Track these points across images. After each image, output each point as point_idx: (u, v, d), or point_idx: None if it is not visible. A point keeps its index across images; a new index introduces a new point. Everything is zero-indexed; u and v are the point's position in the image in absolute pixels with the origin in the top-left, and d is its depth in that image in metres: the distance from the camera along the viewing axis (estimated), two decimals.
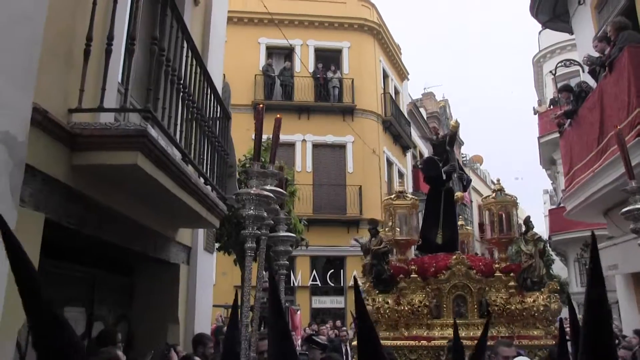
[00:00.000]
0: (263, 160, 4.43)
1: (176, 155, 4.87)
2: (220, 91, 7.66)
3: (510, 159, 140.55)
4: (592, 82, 9.99)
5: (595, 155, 8.68)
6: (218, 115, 7.00)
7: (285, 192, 3.71)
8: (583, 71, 11.43)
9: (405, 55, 33.74)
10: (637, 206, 3.85)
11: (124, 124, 4.11)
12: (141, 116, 4.28)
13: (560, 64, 13.33)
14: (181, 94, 5.26)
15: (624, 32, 8.22)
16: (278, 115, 3.77)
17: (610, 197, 9.01)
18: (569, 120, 10.30)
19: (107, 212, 4.81)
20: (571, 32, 12.76)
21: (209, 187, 6.12)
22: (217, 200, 6.41)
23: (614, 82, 7.92)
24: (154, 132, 4.17)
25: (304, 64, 23.57)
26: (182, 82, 5.25)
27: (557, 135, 12.39)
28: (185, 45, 5.54)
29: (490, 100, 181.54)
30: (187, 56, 5.60)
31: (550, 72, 18.00)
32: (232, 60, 16.58)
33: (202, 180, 5.90)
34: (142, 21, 5.10)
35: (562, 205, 14.28)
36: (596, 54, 9.62)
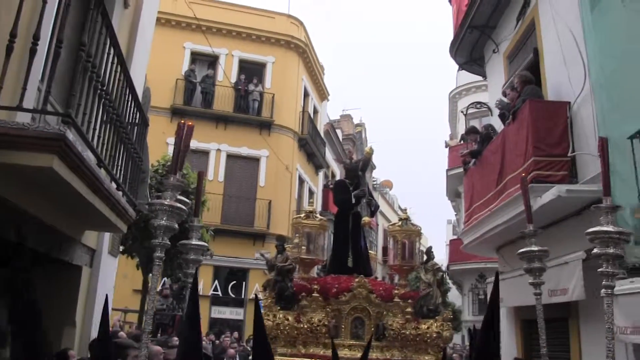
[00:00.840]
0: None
1: (90, 158, 4.88)
2: (140, 95, 7.66)
3: (420, 187, 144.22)
4: (499, 125, 10.60)
5: (494, 196, 9.21)
6: (136, 120, 7.01)
7: (188, 201, 3.82)
8: (491, 114, 12.09)
9: (327, 75, 34.28)
10: (532, 248, 4.31)
11: (42, 126, 4.11)
12: (61, 120, 4.29)
13: (471, 105, 14.02)
14: (103, 99, 5.28)
15: (528, 86, 8.83)
16: (190, 123, 3.89)
17: (503, 236, 9.59)
18: (473, 159, 10.86)
19: (16, 211, 4.76)
20: (484, 76, 13.47)
21: (120, 192, 6.13)
22: (127, 205, 6.41)
23: (516, 131, 8.47)
24: (71, 136, 4.20)
25: (227, 74, 23.61)
26: (105, 88, 5.27)
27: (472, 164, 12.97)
28: (111, 51, 5.57)
29: (406, 128, 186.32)
30: (112, 62, 5.62)
31: (461, 111, 18.84)
32: (155, 61, 16.47)
33: (113, 185, 5.90)
34: (70, 23, 5.10)
35: (460, 237, 14.94)
36: (506, 100, 10.27)
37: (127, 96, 6.32)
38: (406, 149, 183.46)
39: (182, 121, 3.91)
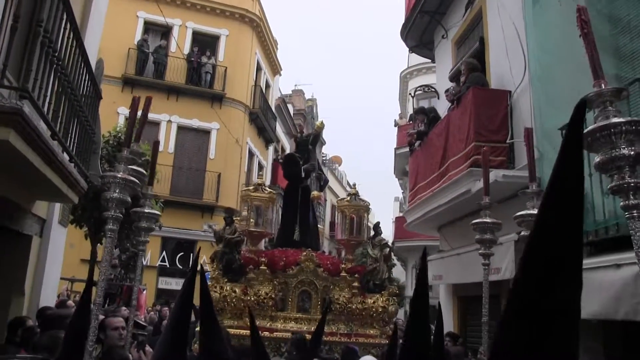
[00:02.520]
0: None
1: (43, 128, 4.97)
2: (93, 67, 7.71)
3: (369, 163, 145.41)
4: (443, 108, 10.98)
5: (436, 177, 9.60)
6: (89, 92, 7.08)
7: (144, 172, 3.96)
8: (438, 98, 12.46)
9: (281, 49, 34.27)
10: (486, 220, 4.40)
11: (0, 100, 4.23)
12: (17, 94, 4.40)
13: (419, 88, 14.38)
14: (57, 72, 5.36)
15: (473, 74, 9.20)
16: (149, 96, 4.03)
17: (444, 216, 10.02)
18: (418, 141, 11.24)
19: None
20: (434, 60, 13.83)
21: (72, 164, 6.23)
22: (79, 177, 6.52)
23: (459, 116, 8.84)
24: (28, 110, 4.33)
25: (180, 45, 23.42)
26: (59, 60, 5.36)
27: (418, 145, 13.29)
28: (65, 19, 5.63)
29: (358, 106, 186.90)
30: (65, 31, 5.68)
31: (410, 93, 19.20)
32: (108, 30, 16.14)
33: (66, 156, 6.01)
34: None
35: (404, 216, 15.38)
36: (450, 84, 10.65)
37: (81, 69, 6.38)
38: (357, 126, 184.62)
39: (137, 96, 4.07)
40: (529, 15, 7.56)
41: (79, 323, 2.59)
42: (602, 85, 2.27)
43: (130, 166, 3.54)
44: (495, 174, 7.50)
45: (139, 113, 3.76)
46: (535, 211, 3.86)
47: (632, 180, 2.19)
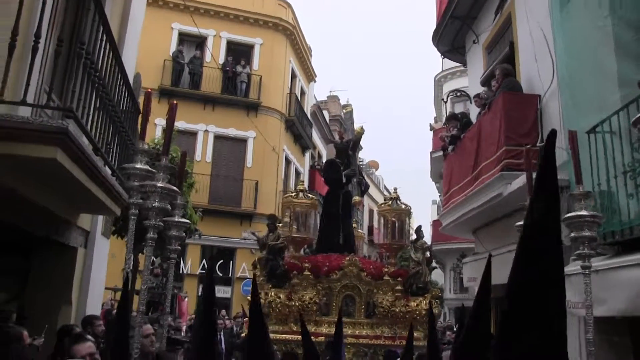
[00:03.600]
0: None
1: (85, 144, 5.22)
2: (131, 81, 7.98)
3: (407, 167, 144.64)
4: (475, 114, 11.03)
5: (470, 181, 9.65)
6: (128, 107, 7.35)
7: (176, 189, 4.12)
8: (471, 102, 12.49)
9: (315, 56, 34.51)
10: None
11: (46, 120, 4.48)
12: (62, 114, 4.65)
13: (451, 93, 14.40)
14: (98, 91, 5.62)
15: (508, 79, 9.24)
16: (174, 102, 4.22)
17: (478, 219, 10.06)
18: (451, 146, 11.30)
19: (19, 198, 5.12)
20: (465, 64, 13.86)
21: (114, 178, 6.48)
22: (121, 190, 6.77)
23: (490, 120, 8.90)
24: (73, 128, 4.56)
25: (215, 55, 23.81)
26: (100, 80, 5.61)
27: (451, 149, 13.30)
28: (106, 45, 5.89)
29: (394, 110, 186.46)
30: (105, 51, 5.94)
31: (442, 99, 19.20)
32: (143, 42, 16.52)
33: (108, 170, 6.26)
34: (62, 15, 5.43)
35: (439, 219, 15.40)
36: (482, 89, 10.70)
37: (120, 85, 6.64)
38: (394, 130, 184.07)
39: (175, 102, 4.28)
40: (557, 20, 7.59)
41: (120, 330, 2.72)
42: None
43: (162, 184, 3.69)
44: (524, 178, 7.54)
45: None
46: (583, 212, 3.93)
47: None
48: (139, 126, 3.60)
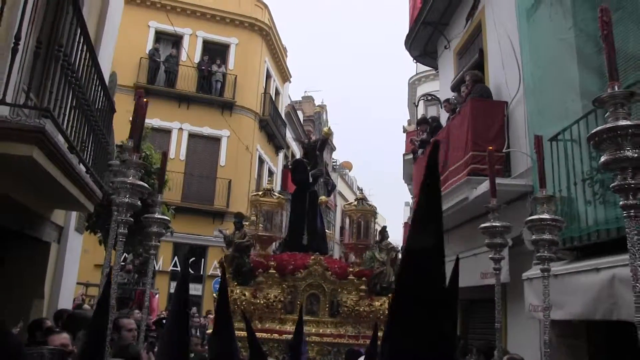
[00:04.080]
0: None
1: (61, 142, 5.35)
2: (107, 80, 8.10)
3: (381, 168, 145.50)
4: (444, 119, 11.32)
5: None
6: (103, 106, 7.48)
7: (146, 185, 4.19)
8: (441, 106, 12.78)
9: (291, 57, 34.69)
10: (494, 224, 4.43)
11: (24, 119, 4.62)
12: (40, 113, 4.79)
13: (422, 97, 14.71)
14: (75, 91, 5.75)
15: (478, 85, 9.51)
16: (145, 100, 4.30)
17: (447, 222, 10.32)
18: (421, 149, 11.58)
19: None
20: (437, 69, 14.17)
21: (88, 175, 6.62)
22: (95, 187, 6.91)
23: (458, 126, 9.18)
24: (50, 128, 4.71)
25: (191, 54, 23.89)
26: (77, 80, 5.75)
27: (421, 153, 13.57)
28: (82, 41, 6.02)
29: (368, 111, 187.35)
30: (82, 52, 6.07)
31: (414, 103, 19.51)
32: (120, 40, 16.56)
33: (83, 168, 6.39)
34: (41, 15, 5.54)
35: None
36: (452, 93, 10.98)
37: (96, 84, 6.77)
38: (368, 131, 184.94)
39: (144, 100, 4.33)
40: (523, 30, 7.89)
41: (99, 323, 2.86)
42: (616, 87, 2.44)
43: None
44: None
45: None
46: (545, 215, 4.06)
47: (633, 182, 2.43)
48: (134, 132, 3.72)
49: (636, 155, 2.36)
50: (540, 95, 7.28)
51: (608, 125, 2.42)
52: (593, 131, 2.54)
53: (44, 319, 6.22)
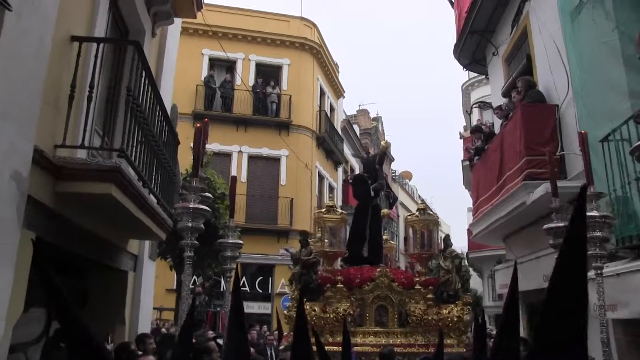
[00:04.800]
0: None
1: (134, 176, 5.79)
2: (169, 112, 8.59)
3: (441, 175, 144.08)
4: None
5: (495, 191, 10.02)
6: (169, 139, 7.94)
7: (210, 195, 4.44)
8: (494, 111, 12.85)
9: (343, 70, 35.09)
10: (559, 224, 4.52)
11: (102, 161, 5.08)
12: (117, 155, 5.24)
13: (475, 105, 14.78)
14: (144, 130, 6.20)
15: (532, 90, 9.59)
16: (205, 120, 4.58)
17: (506, 227, 10.41)
18: (477, 156, 11.68)
19: (77, 228, 5.73)
20: (487, 76, 14.25)
21: (159, 206, 7.07)
22: (165, 216, 7.36)
23: (511, 132, 9.28)
24: (125, 166, 5.15)
25: (245, 78, 24.51)
26: (145, 119, 6.19)
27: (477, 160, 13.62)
28: (146, 82, 6.47)
29: (425, 119, 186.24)
30: (147, 93, 6.52)
31: (466, 111, 19.53)
32: (176, 70, 17.26)
33: (154, 199, 6.85)
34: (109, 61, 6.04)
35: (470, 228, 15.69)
36: (503, 99, 11.09)
37: (161, 121, 7.23)
38: (426, 139, 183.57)
39: (197, 124, 4.66)
40: (568, 33, 7.99)
41: (184, 345, 3.17)
42: None
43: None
44: (546, 186, 7.89)
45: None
46: (594, 213, 4.09)
47: None
48: (193, 158, 4.06)
49: None
50: (588, 98, 7.36)
51: None
52: (634, 147, 2.76)
53: (129, 343, 6.66)
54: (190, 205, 3.86)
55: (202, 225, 4.00)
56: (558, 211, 4.59)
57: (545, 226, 4.61)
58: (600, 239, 4.16)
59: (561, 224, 4.45)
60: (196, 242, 4.10)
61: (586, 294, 1.89)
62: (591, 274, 7.24)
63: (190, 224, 3.83)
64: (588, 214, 3.97)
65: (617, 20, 6.83)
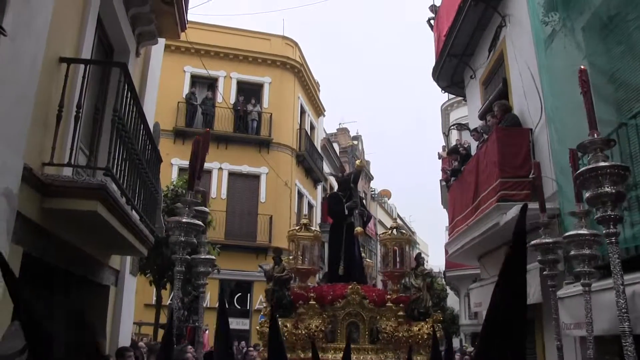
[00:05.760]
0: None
1: (116, 192, 5.91)
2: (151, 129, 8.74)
3: (422, 194, 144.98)
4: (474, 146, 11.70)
5: (471, 211, 10.28)
6: (151, 158, 8.09)
7: (207, 210, 4.44)
8: (471, 134, 13.16)
9: (324, 89, 35.42)
10: (546, 240, 4.63)
11: (88, 179, 5.23)
12: (103, 174, 5.40)
13: (452, 127, 15.11)
14: (128, 149, 6.36)
15: (509, 114, 9.88)
16: (207, 130, 4.63)
17: (481, 246, 10.66)
18: (453, 177, 11.96)
19: (63, 243, 5.86)
20: (465, 98, 14.59)
21: (142, 223, 7.21)
22: (147, 232, 7.50)
23: (487, 154, 9.55)
24: (111, 185, 5.31)
25: (226, 96, 24.71)
26: (129, 138, 6.35)
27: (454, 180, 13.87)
28: (131, 102, 6.64)
29: (405, 138, 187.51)
30: (132, 113, 6.68)
31: (443, 132, 19.89)
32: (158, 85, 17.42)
33: (136, 216, 6.98)
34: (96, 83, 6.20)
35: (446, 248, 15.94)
36: (480, 122, 11.39)
37: (143, 137, 7.37)
38: (406, 159, 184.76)
39: (198, 137, 4.67)
40: (541, 60, 8.29)
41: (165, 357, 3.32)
42: (595, 135, 3.04)
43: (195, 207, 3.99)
44: (518, 208, 8.12)
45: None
46: (583, 231, 4.20)
47: (613, 214, 2.89)
48: (189, 172, 3.96)
49: (614, 191, 2.81)
50: (560, 123, 7.64)
51: (590, 167, 2.88)
52: (578, 172, 3.04)
53: (109, 356, 6.78)
54: (184, 220, 3.83)
55: (195, 240, 3.99)
56: (546, 225, 4.74)
57: (531, 243, 4.68)
58: (589, 256, 4.29)
59: (550, 240, 4.64)
60: (188, 256, 4.08)
61: (523, 319, 2.08)
62: (560, 292, 7.52)
63: (182, 238, 3.82)
64: (578, 231, 4.15)
65: (586, 50, 7.13)
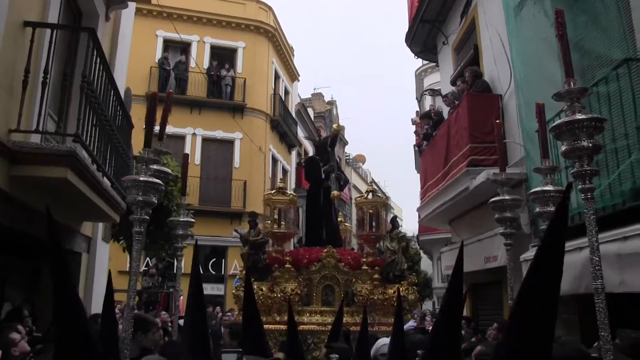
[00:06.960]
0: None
1: (86, 158, 5.89)
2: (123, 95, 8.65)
3: (396, 159, 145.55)
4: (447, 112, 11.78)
5: (442, 176, 10.41)
6: (122, 123, 8.04)
7: (169, 170, 4.15)
8: (443, 99, 13.24)
9: (298, 55, 35.21)
10: (504, 197, 4.59)
11: (57, 145, 5.20)
12: (72, 140, 5.37)
13: (425, 92, 15.16)
14: (97, 114, 6.31)
15: (479, 80, 9.96)
16: (169, 92, 4.52)
17: (452, 211, 10.82)
18: (425, 142, 12.06)
19: (33, 210, 5.84)
20: (437, 64, 14.62)
21: (113, 189, 7.19)
22: (119, 199, 7.48)
23: (457, 119, 9.65)
24: (81, 151, 5.29)
25: (199, 61, 24.39)
26: (99, 104, 6.30)
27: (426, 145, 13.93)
28: (100, 68, 6.57)
29: (381, 103, 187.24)
30: (101, 77, 6.61)
31: (416, 98, 19.95)
32: (130, 51, 17.11)
33: (108, 182, 6.97)
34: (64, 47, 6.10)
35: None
36: (452, 88, 11.46)
37: (115, 106, 7.34)
38: (381, 124, 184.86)
39: (152, 92, 4.23)
40: (511, 28, 8.34)
41: (108, 325, 3.19)
42: (572, 83, 2.84)
43: (154, 166, 3.67)
44: (487, 173, 8.26)
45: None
46: (549, 187, 4.04)
47: (589, 168, 2.85)
48: (145, 127, 3.63)
49: (591, 145, 2.80)
50: (528, 90, 7.73)
51: (567, 119, 2.85)
52: (554, 124, 2.98)
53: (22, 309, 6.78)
54: (141, 178, 3.48)
55: (154, 200, 3.63)
56: (505, 184, 4.74)
57: (491, 200, 4.75)
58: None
59: (507, 197, 4.62)
60: (146, 216, 3.65)
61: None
62: (525, 255, 7.69)
63: (140, 198, 3.46)
64: (543, 188, 4.06)
65: (553, 17, 7.16)
